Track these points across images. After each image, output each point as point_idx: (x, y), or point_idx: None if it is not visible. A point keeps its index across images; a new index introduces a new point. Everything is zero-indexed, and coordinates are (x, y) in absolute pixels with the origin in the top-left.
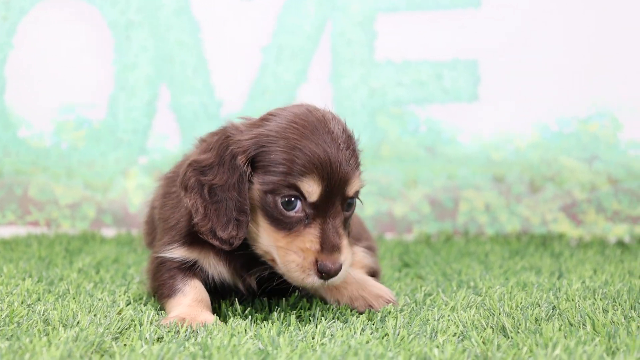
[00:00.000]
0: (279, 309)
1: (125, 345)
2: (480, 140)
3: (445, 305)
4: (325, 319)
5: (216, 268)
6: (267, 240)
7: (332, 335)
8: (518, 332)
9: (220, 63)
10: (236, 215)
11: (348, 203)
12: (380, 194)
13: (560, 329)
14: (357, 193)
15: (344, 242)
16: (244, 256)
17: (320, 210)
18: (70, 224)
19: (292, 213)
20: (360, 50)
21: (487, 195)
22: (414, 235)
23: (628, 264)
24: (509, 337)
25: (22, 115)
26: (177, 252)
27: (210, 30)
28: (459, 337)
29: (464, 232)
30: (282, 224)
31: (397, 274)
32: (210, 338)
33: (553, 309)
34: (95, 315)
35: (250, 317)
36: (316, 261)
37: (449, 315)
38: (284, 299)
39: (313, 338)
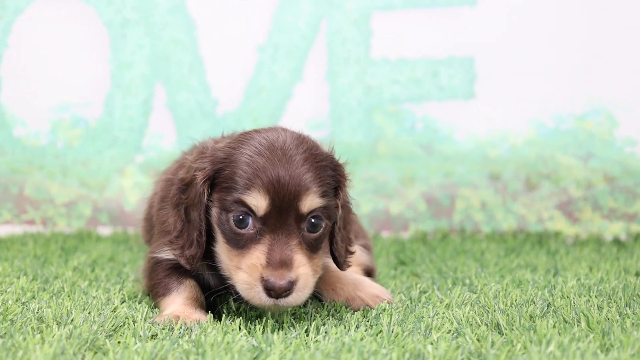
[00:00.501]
0: None
1: (119, 342)
2: (476, 138)
3: (440, 303)
4: (320, 316)
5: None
6: (225, 260)
7: (326, 332)
8: (512, 329)
9: (216, 62)
10: (196, 235)
11: (311, 223)
12: (376, 191)
13: (554, 326)
14: (319, 211)
15: (297, 259)
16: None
17: (270, 226)
18: (66, 223)
19: (243, 230)
20: (356, 49)
21: (483, 193)
22: (410, 233)
23: (624, 262)
24: (503, 334)
25: (17, 114)
26: (173, 253)
27: (206, 28)
28: (453, 334)
29: (460, 230)
30: (235, 242)
31: (393, 272)
32: (204, 335)
33: (548, 306)
34: (89, 313)
35: (244, 314)
36: (262, 277)
37: (443, 313)
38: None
39: (307, 335)
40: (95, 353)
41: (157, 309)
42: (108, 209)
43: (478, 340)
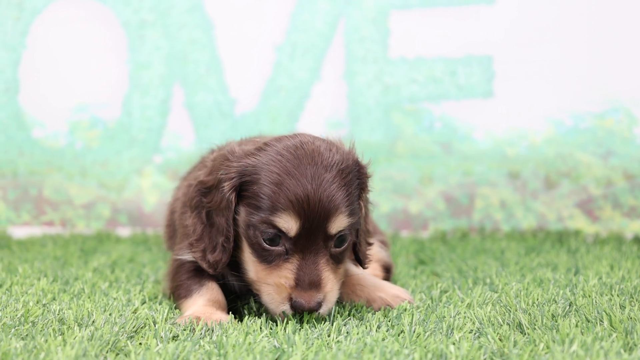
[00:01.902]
0: None
1: (140, 344)
2: (495, 137)
3: (462, 302)
4: (341, 317)
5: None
6: (252, 270)
7: (347, 332)
8: (535, 329)
9: (234, 61)
10: (222, 241)
11: (338, 240)
12: (395, 191)
13: (577, 325)
14: (345, 229)
15: (326, 278)
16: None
17: (300, 246)
18: (85, 224)
19: (273, 248)
20: (374, 48)
21: (502, 192)
22: (430, 232)
23: None
24: (525, 334)
25: (36, 115)
26: (194, 257)
27: (223, 28)
28: (475, 333)
29: (480, 229)
30: (263, 257)
31: (413, 272)
32: (226, 336)
33: (570, 305)
34: (110, 315)
35: (265, 315)
36: (291, 297)
37: (465, 312)
38: None
39: (329, 336)
40: (117, 354)
41: (177, 310)
42: (127, 210)
43: (500, 340)
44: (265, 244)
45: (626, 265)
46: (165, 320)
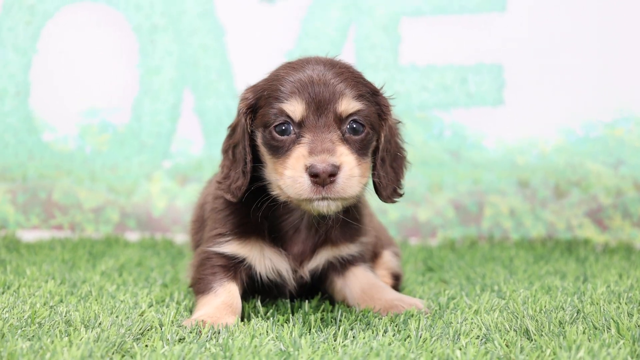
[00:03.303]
0: (301, 310)
1: (146, 346)
2: (505, 145)
3: (469, 309)
4: (347, 321)
5: (271, 260)
6: (273, 174)
7: (354, 337)
8: (542, 335)
9: (244, 67)
10: (242, 167)
11: (352, 126)
12: (404, 198)
13: (584, 332)
14: (358, 115)
15: (340, 149)
16: (299, 243)
17: (310, 127)
18: (94, 228)
19: (284, 137)
20: (385, 55)
21: (512, 200)
22: (438, 240)
23: None
24: (532, 340)
25: (46, 119)
26: (228, 247)
27: (234, 33)
28: (481, 339)
29: (489, 237)
30: (278, 151)
31: (421, 278)
32: (232, 339)
33: (577, 313)
34: (117, 317)
35: (271, 318)
36: (306, 167)
37: (472, 318)
38: (306, 301)
39: (335, 340)
40: (123, 356)
41: (185, 312)
42: (136, 215)
43: (507, 345)
44: (277, 135)
45: (635, 274)
46: (172, 322)
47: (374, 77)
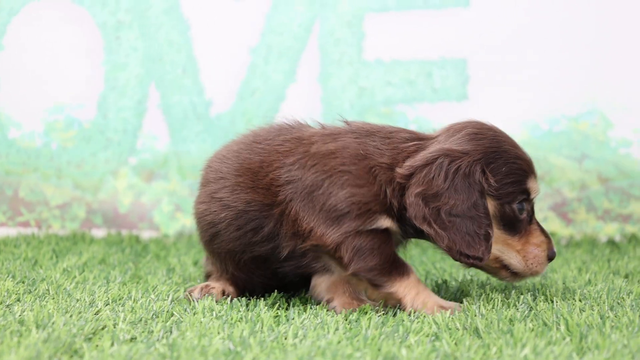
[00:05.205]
0: (256, 309)
1: (96, 346)
2: None
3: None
4: (300, 319)
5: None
6: (498, 247)
7: (304, 335)
8: (490, 333)
9: (209, 62)
10: None
11: None
12: None
13: (532, 330)
14: None
15: None
16: None
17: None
18: (61, 225)
19: (522, 216)
20: (349, 50)
21: None
22: None
23: (614, 263)
24: (481, 338)
25: (12, 116)
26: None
27: (199, 29)
28: (431, 337)
29: None
30: (516, 229)
31: None
32: (182, 338)
33: (529, 310)
34: (70, 316)
35: (224, 317)
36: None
37: (424, 316)
38: (262, 298)
39: (285, 338)
40: (71, 357)
41: (141, 310)
42: (102, 211)
43: (455, 344)
44: (519, 216)
45: (594, 269)
46: (126, 322)
47: (338, 73)
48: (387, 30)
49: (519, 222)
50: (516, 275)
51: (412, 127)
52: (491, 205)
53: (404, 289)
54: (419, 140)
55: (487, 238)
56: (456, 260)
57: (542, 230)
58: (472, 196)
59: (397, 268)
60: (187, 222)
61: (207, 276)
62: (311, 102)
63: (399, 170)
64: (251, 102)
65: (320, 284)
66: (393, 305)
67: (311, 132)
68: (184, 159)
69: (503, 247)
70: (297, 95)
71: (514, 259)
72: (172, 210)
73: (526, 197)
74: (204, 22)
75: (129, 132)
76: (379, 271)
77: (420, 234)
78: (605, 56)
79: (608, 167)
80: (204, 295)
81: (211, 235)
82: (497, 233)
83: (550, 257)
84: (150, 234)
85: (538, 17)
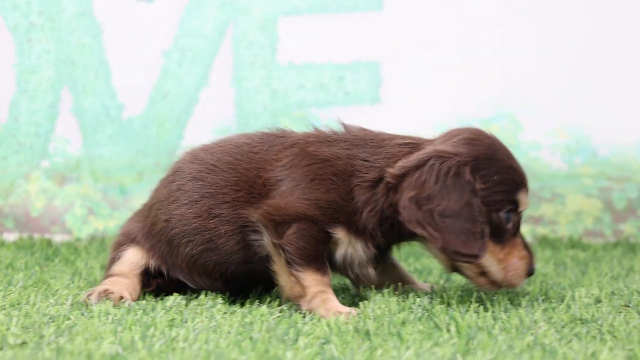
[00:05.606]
0: (153, 312)
1: None
2: None
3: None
4: (194, 323)
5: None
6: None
7: (195, 339)
8: (379, 335)
9: (122, 66)
10: None
11: None
12: None
13: (422, 332)
14: None
15: None
16: None
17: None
18: None
19: (510, 226)
20: (262, 53)
21: None
22: None
23: None
24: (370, 340)
25: None
26: None
27: (112, 33)
28: (321, 340)
29: None
30: (501, 237)
31: None
32: (71, 342)
33: (425, 312)
34: None
35: (120, 321)
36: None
37: (318, 319)
38: (160, 301)
39: (177, 342)
40: None
41: (36, 315)
42: (14, 215)
43: (343, 346)
44: (505, 225)
45: None
46: (19, 326)
47: (251, 76)
48: (301, 34)
49: (504, 232)
50: (494, 284)
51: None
52: None
53: (313, 280)
54: (415, 143)
55: (483, 235)
56: (452, 259)
57: (526, 245)
58: (465, 196)
59: (318, 264)
60: (100, 225)
61: (127, 240)
62: (224, 105)
63: (390, 170)
64: (164, 105)
65: None
66: (294, 299)
67: (306, 136)
68: (96, 162)
69: (494, 255)
70: (210, 99)
71: (494, 267)
72: (84, 213)
73: (514, 207)
74: (116, 25)
75: (41, 135)
76: (303, 254)
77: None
78: (515, 60)
79: None
80: (102, 299)
81: (203, 250)
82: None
83: (530, 273)
84: (62, 238)
85: (450, 19)
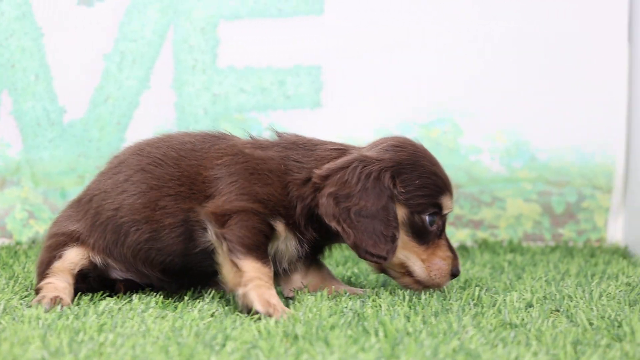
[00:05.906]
0: (85, 317)
1: None
2: None
3: (249, 313)
4: (124, 327)
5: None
6: (404, 253)
7: (123, 343)
8: (307, 340)
9: (63, 69)
10: None
11: None
12: None
13: (350, 336)
14: None
15: None
16: None
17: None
18: None
19: (432, 228)
20: (203, 57)
21: None
22: None
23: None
24: (297, 345)
25: None
26: None
27: (53, 36)
28: (249, 345)
29: None
30: (424, 239)
31: None
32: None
33: (356, 316)
34: None
35: (51, 325)
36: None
37: (249, 324)
38: (93, 306)
39: (105, 347)
40: None
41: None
42: None
43: (269, 351)
44: (429, 227)
45: None
46: None
47: (192, 80)
48: (242, 38)
49: (427, 233)
50: (419, 283)
51: (266, 135)
52: (401, 212)
53: (252, 267)
54: (344, 149)
55: (393, 240)
56: (361, 257)
57: (450, 247)
58: (382, 200)
59: (259, 253)
60: (41, 229)
61: (69, 239)
62: (165, 109)
63: (316, 171)
64: (104, 108)
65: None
66: (230, 290)
67: (243, 141)
68: (37, 166)
69: (409, 254)
70: (151, 102)
71: (417, 267)
72: (25, 217)
73: (438, 211)
74: (57, 29)
75: None
76: (244, 242)
77: (323, 242)
78: (455, 65)
79: (459, 174)
80: (54, 305)
81: (148, 238)
82: (405, 240)
83: (454, 274)
84: (2, 242)
85: (391, 24)
